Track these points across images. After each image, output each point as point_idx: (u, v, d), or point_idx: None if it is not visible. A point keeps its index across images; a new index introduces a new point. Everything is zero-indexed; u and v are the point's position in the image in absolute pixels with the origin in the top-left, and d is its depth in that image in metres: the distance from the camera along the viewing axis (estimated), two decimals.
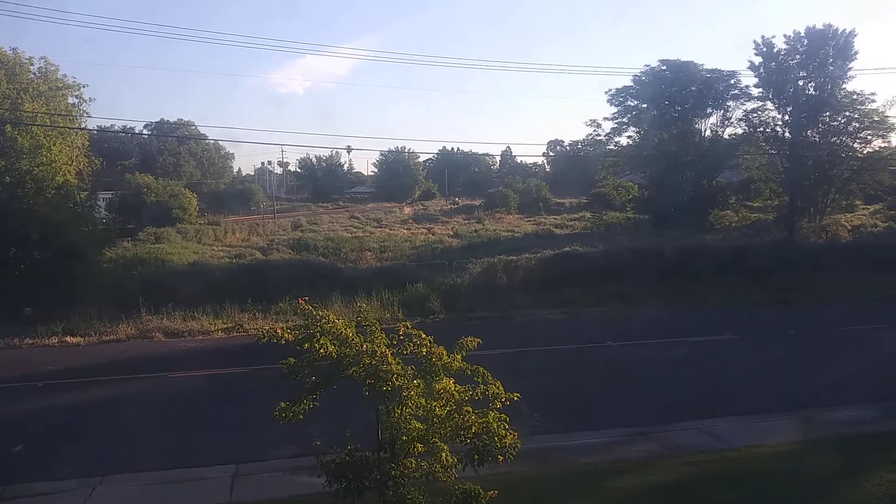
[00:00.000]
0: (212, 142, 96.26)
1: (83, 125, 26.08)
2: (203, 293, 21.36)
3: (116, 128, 74.85)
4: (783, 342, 17.87)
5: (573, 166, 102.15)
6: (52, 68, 24.02)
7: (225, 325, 20.20)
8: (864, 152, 42.37)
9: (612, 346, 17.53)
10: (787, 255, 26.91)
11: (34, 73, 23.63)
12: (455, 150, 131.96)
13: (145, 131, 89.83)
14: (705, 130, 46.92)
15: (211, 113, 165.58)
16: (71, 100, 24.64)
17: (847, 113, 40.69)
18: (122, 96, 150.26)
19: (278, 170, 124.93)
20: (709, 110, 46.18)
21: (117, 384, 15.01)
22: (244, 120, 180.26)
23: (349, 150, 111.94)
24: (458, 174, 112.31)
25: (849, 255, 26.90)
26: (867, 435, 10.57)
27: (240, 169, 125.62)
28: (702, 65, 45.57)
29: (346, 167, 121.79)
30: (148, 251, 28.39)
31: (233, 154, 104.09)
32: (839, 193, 43.57)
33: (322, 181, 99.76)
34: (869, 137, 41.99)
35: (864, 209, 49.03)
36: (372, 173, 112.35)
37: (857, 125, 41.21)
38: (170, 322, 20.03)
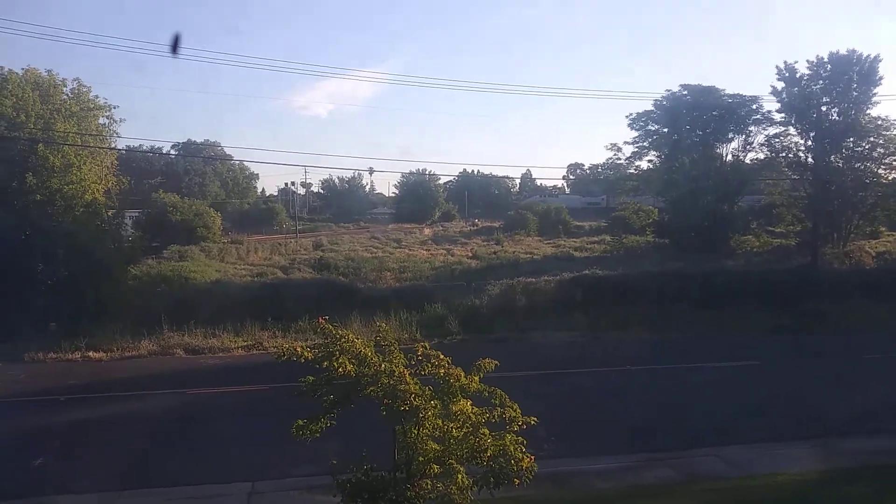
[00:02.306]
0: (237, 162, 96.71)
1: (113, 145, 26.59)
2: (224, 311, 21.57)
3: (145, 147, 76.11)
4: (807, 369, 17.59)
5: (592, 189, 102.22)
6: (85, 89, 24.55)
7: (245, 343, 20.38)
8: (890, 178, 41.76)
9: (630, 370, 17.40)
10: (810, 281, 26.40)
11: (67, 95, 24.16)
12: (475, 172, 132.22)
13: (172, 151, 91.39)
14: (726, 155, 46.55)
15: (237, 133, 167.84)
16: (102, 120, 25.14)
17: (871, 139, 40.15)
18: (151, 116, 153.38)
19: (301, 190, 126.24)
20: (730, 135, 45.84)
21: (137, 400, 15.15)
22: (269, 141, 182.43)
23: (371, 171, 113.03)
24: (478, 196, 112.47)
25: (874, 282, 26.32)
26: (892, 466, 10.30)
27: (263, 189, 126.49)
28: (723, 90, 45.35)
29: (367, 188, 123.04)
30: (172, 269, 28.51)
31: (257, 174, 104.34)
32: (863, 219, 42.86)
33: (344, 202, 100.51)
34: (894, 163, 41.42)
35: (888, 235, 48.22)
36: (393, 195, 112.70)
37: (882, 151, 40.64)
38: (191, 339, 20.20)
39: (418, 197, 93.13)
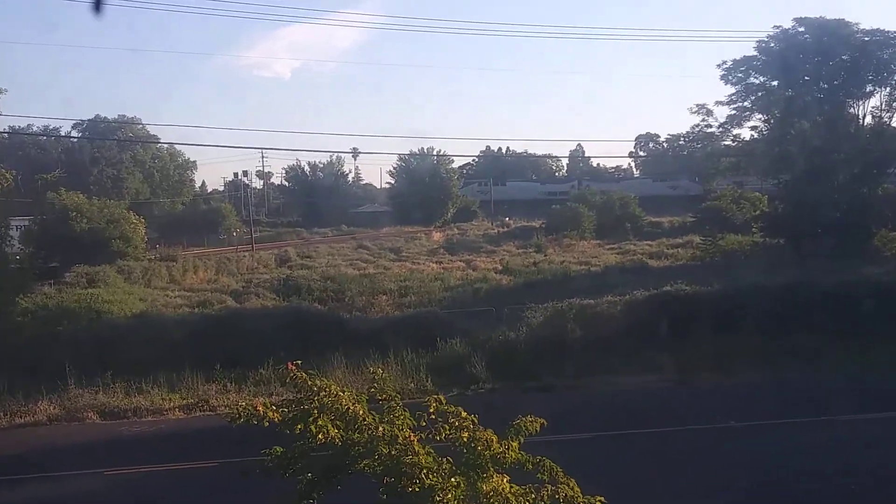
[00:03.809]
0: (165, 146, 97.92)
1: None
2: (154, 357, 21.69)
3: (35, 129, 76.68)
4: None
5: (672, 170, 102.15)
6: None
7: (184, 401, 20.48)
8: None
9: (735, 427, 17.40)
10: None
11: None
12: (504, 150, 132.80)
13: (74, 133, 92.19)
14: (864, 116, 46.43)
15: (164, 107, 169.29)
16: None
17: None
18: (45, 85, 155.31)
19: (258, 183, 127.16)
20: (869, 88, 45.70)
21: (34, 487, 15.10)
22: (210, 115, 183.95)
23: (356, 154, 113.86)
24: (511, 187, 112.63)
25: None
26: None
27: (204, 183, 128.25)
28: (857, 24, 45.20)
29: (350, 178, 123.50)
30: (78, 299, 28.62)
31: (195, 162, 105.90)
32: None
33: (319, 198, 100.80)
34: None
35: None
36: (387, 185, 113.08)
37: None
38: (108, 398, 20.28)
39: (423, 187, 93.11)
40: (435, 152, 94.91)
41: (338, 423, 6.61)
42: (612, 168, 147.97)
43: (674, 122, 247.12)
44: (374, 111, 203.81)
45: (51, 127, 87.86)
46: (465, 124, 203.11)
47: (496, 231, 77.01)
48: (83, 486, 15.05)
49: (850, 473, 14.50)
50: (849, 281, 26.81)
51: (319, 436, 6.51)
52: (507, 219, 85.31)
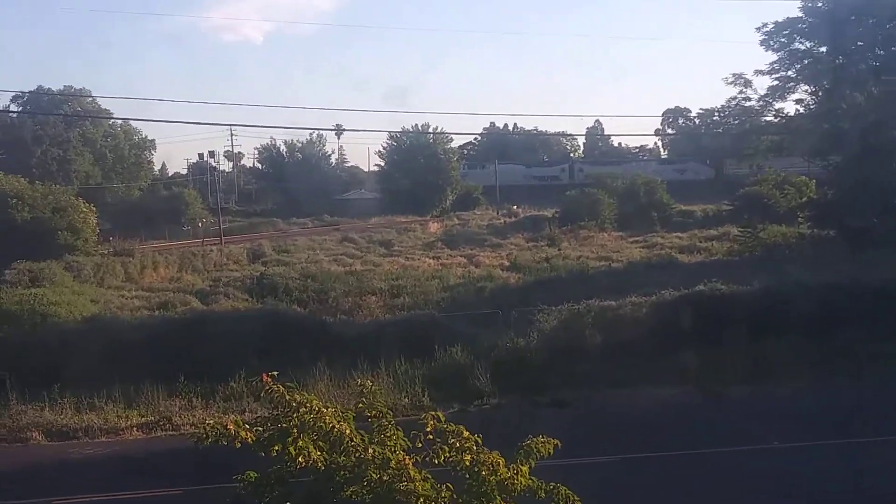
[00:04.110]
0: (119, 122, 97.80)
1: None
2: (108, 367, 21.54)
3: None
4: None
5: (703, 148, 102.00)
6: None
7: (143, 419, 20.48)
8: None
9: (778, 448, 17.44)
10: None
11: None
12: (511, 127, 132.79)
13: (13, 107, 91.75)
14: None
15: (117, 77, 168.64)
16: None
17: None
18: None
19: (226, 165, 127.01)
20: None
21: None
22: (171, 87, 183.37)
23: (339, 131, 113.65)
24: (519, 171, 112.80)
25: None
26: None
27: (164, 165, 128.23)
28: None
29: (334, 159, 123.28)
30: (19, 300, 28.61)
31: (153, 141, 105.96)
32: None
33: (298, 182, 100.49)
34: None
35: None
36: (376, 168, 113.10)
37: None
38: (55, 415, 20.26)
39: (418, 170, 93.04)
40: (431, 129, 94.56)
41: (320, 443, 6.62)
42: (636, 148, 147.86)
43: (707, 95, 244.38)
44: (360, 82, 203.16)
45: None
46: (467, 98, 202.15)
47: (502, 221, 76.88)
48: None
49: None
50: None
51: (299, 458, 6.51)
52: (515, 207, 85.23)
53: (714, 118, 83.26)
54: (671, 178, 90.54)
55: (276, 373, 7.14)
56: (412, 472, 6.44)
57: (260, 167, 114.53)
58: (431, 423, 6.90)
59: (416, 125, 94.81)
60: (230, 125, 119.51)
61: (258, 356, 20.78)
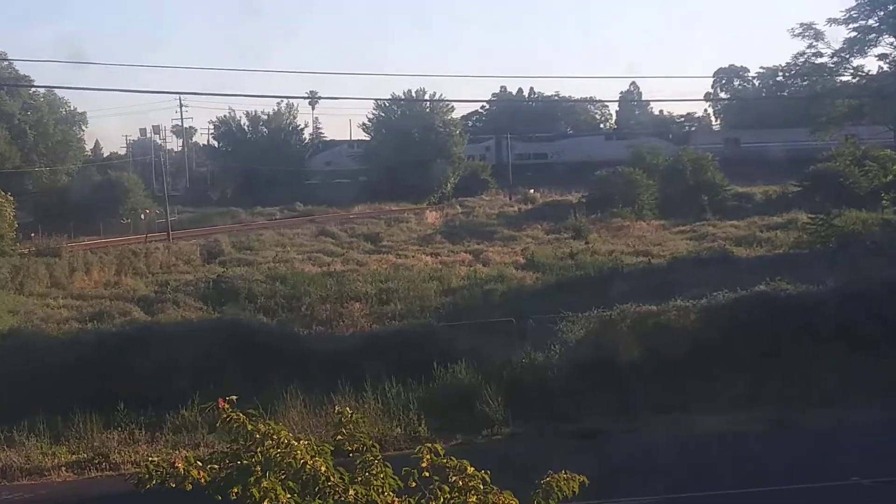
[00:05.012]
0: (42, 91, 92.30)
1: None
2: (30, 393, 21.09)
3: None
4: None
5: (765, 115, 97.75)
6: None
7: (73, 457, 19.70)
8: None
9: (865, 486, 16.15)
10: None
11: None
12: (527, 92, 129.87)
13: None
14: None
15: (39, 36, 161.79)
16: None
17: None
18: None
19: (175, 143, 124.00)
20: None
21: None
22: (105, 47, 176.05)
23: (313, 99, 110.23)
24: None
25: None
26: None
27: (98, 144, 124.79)
28: None
29: (307, 134, 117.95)
30: None
31: (84, 114, 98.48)
32: None
33: (262, 162, 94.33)
34: None
35: None
36: (358, 144, 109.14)
37: None
38: None
39: (412, 146, 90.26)
40: (428, 95, 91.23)
41: (290, 484, 6.35)
42: (681, 116, 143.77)
43: (769, 51, 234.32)
44: (340, 39, 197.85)
45: None
46: (472, 58, 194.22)
47: (516, 209, 77.41)
48: None
49: None
50: None
51: (265, 502, 6.21)
52: (532, 190, 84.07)
53: (777, 79, 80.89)
54: (725, 153, 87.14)
55: (235, 398, 6.75)
56: None
57: (216, 145, 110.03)
58: (428, 457, 6.69)
59: (409, 91, 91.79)
60: (179, 92, 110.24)
61: (215, 378, 20.00)
